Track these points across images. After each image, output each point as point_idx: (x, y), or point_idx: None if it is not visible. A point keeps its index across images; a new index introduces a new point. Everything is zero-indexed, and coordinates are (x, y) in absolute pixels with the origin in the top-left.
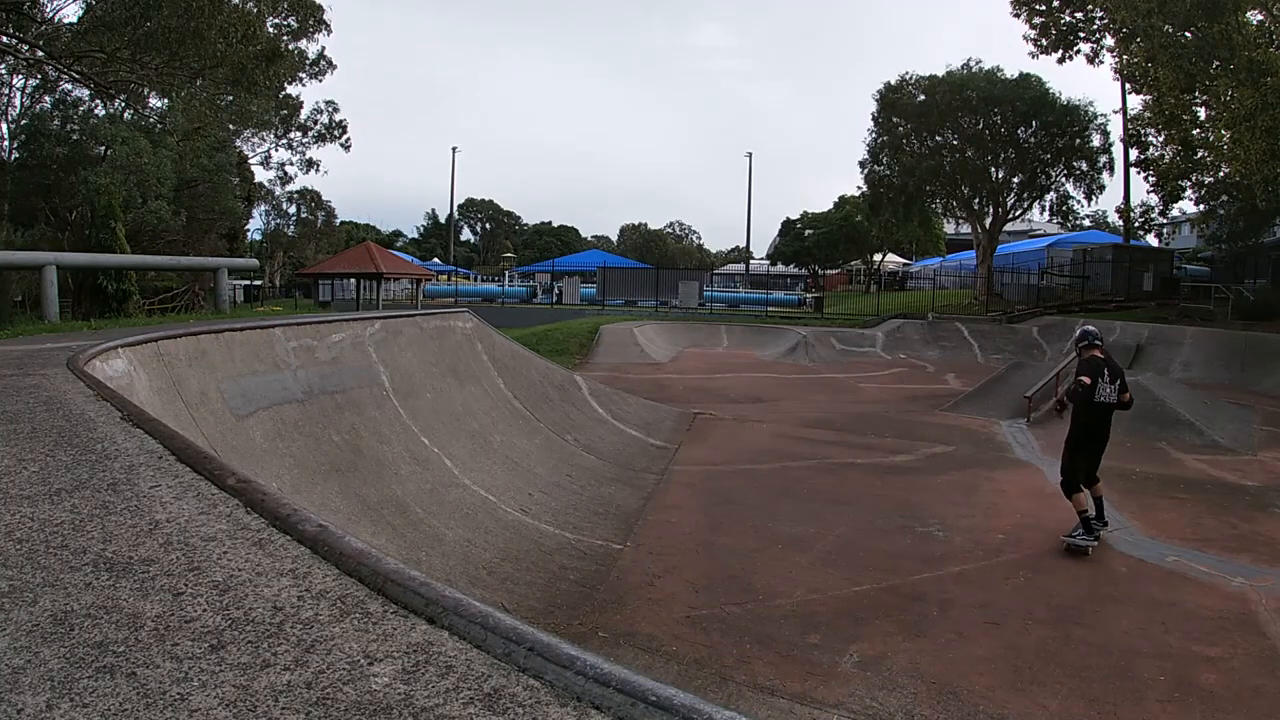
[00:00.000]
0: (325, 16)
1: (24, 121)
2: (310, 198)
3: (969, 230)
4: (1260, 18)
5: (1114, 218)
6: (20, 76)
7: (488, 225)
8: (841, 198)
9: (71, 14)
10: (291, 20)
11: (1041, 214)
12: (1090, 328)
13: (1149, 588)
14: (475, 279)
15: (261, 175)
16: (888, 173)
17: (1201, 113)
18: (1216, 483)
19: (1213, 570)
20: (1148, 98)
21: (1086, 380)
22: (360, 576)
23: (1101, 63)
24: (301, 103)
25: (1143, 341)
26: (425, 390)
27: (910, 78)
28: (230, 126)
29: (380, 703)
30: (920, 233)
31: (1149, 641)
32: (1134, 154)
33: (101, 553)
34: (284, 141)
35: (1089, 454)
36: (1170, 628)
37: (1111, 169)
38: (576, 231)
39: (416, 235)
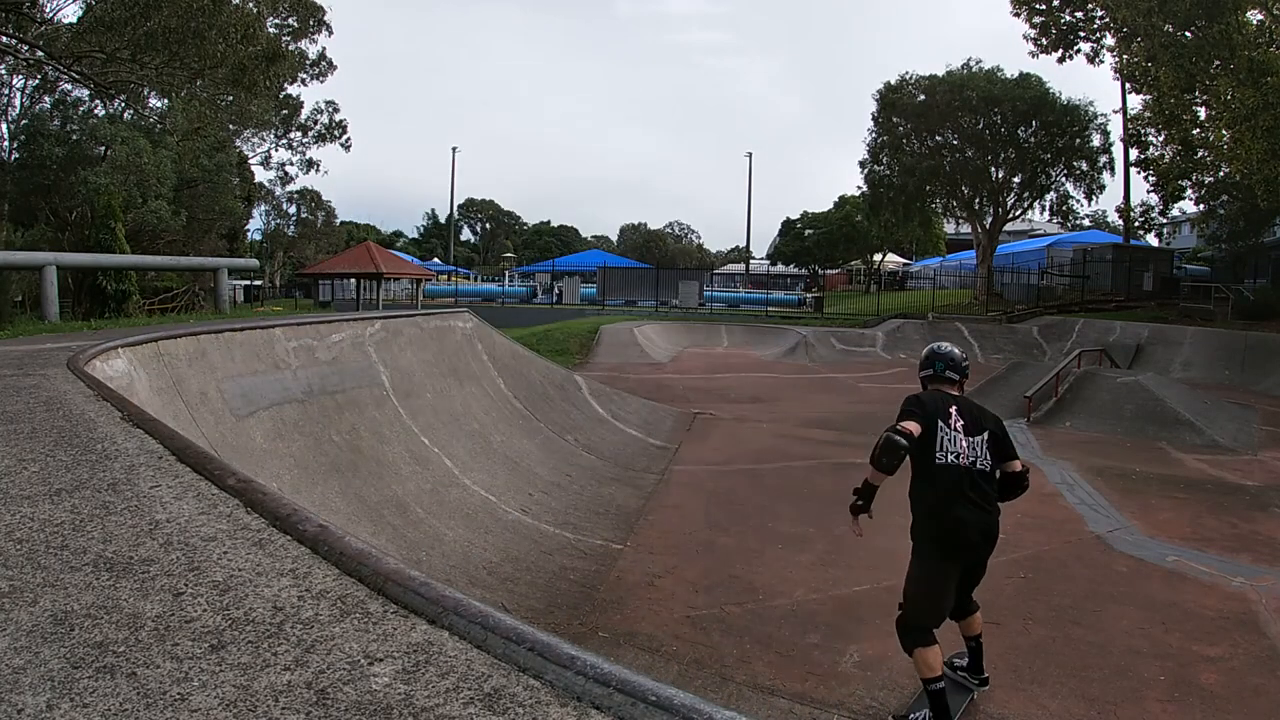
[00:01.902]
0: (325, 17)
1: (24, 121)
2: (310, 198)
3: (969, 230)
4: (1260, 18)
5: (1114, 218)
6: (20, 76)
7: (488, 225)
8: (841, 198)
9: (71, 14)
10: (292, 20)
11: (1041, 214)
12: (944, 348)
13: (1149, 587)
14: (475, 279)
15: (261, 175)
16: (888, 173)
17: (1202, 112)
18: (1216, 482)
19: (1213, 570)
20: (1148, 97)
21: (911, 427)
22: (360, 576)
23: (1101, 62)
24: (302, 103)
25: (1143, 341)
26: (425, 390)
27: (910, 77)
28: (230, 126)
29: (380, 703)
30: (920, 233)
31: (1149, 641)
32: (1134, 154)
33: (102, 553)
34: (284, 141)
35: (962, 570)
36: (1170, 627)
37: (1111, 169)
38: (576, 231)
39: (416, 235)
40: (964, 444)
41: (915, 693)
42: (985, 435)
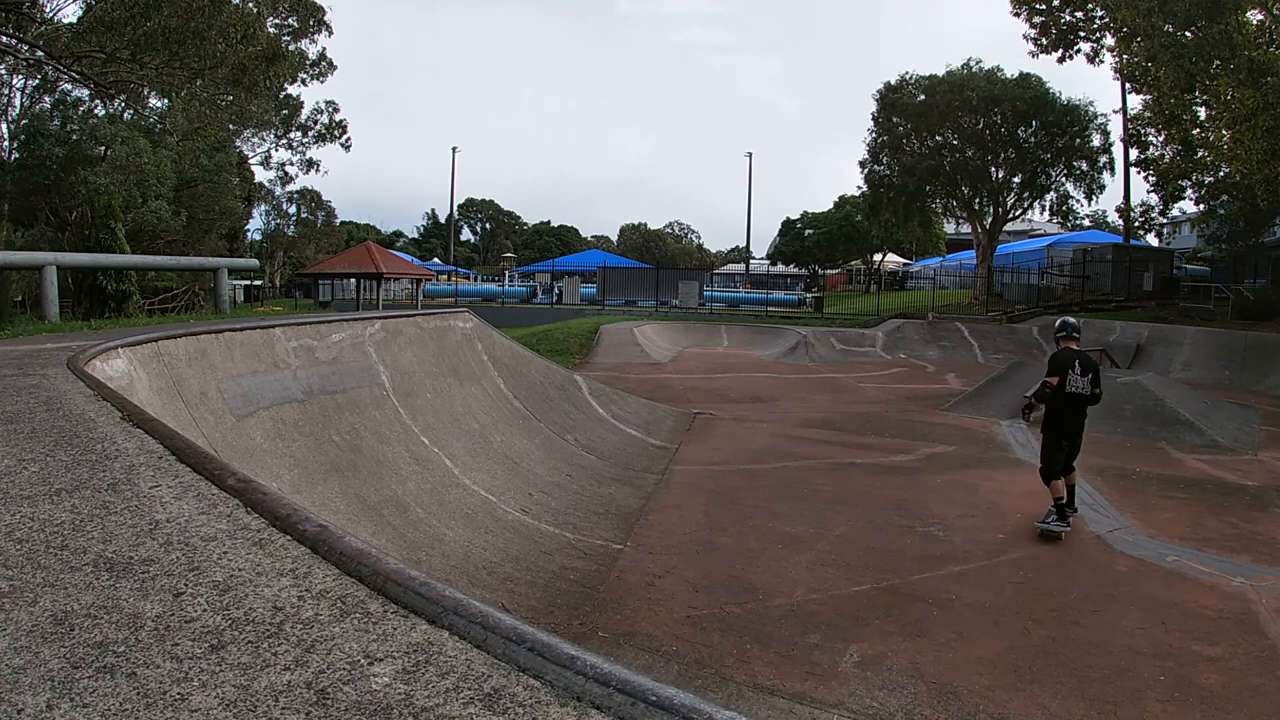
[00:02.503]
0: (326, 17)
1: (24, 121)
2: (310, 198)
3: (969, 230)
4: (1260, 17)
5: (1114, 218)
6: (20, 76)
7: (488, 225)
8: (841, 198)
9: (71, 14)
10: (292, 20)
11: (1041, 214)
12: (1070, 319)
13: (1149, 587)
14: (475, 279)
15: (261, 175)
16: (888, 172)
17: (1202, 112)
18: (1216, 483)
19: (1213, 570)
20: (1148, 97)
21: (1053, 381)
22: (360, 576)
23: (1101, 62)
24: (302, 103)
25: (1143, 341)
26: (425, 390)
27: (910, 77)
28: (230, 126)
29: (380, 703)
30: (920, 233)
31: (1149, 641)
32: (1134, 154)
33: (101, 553)
34: (284, 141)
35: (1067, 444)
36: (1170, 627)
37: (1111, 169)
38: (576, 231)
39: (416, 235)
40: (1080, 382)
41: (1049, 508)
42: (1091, 375)
